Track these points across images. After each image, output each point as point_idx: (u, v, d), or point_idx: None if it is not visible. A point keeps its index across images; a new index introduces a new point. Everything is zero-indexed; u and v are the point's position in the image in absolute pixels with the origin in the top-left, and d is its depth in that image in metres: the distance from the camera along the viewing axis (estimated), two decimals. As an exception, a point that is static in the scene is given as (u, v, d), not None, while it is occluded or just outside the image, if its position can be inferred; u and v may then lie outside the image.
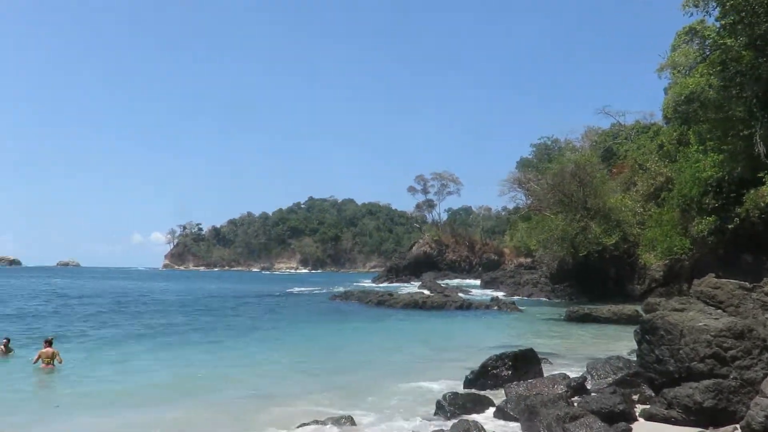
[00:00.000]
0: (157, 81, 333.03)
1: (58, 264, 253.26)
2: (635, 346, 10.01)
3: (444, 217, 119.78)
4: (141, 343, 20.81)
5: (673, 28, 55.38)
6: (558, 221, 42.40)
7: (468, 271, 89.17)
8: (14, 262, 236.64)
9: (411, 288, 64.21)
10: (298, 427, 9.59)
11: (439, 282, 70.08)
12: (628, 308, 28.10)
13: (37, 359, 15.41)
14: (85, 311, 33.47)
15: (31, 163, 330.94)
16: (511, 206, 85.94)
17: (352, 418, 9.91)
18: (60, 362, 15.55)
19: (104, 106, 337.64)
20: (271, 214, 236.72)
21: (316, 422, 9.71)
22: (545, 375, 12.49)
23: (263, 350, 19.91)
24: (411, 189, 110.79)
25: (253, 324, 28.58)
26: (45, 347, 15.66)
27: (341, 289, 58.87)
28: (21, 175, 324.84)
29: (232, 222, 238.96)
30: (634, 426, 8.77)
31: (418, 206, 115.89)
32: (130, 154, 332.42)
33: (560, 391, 10.33)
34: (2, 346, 17.17)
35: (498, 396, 11.31)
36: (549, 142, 75.97)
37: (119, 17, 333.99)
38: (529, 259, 70.73)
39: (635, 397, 10.34)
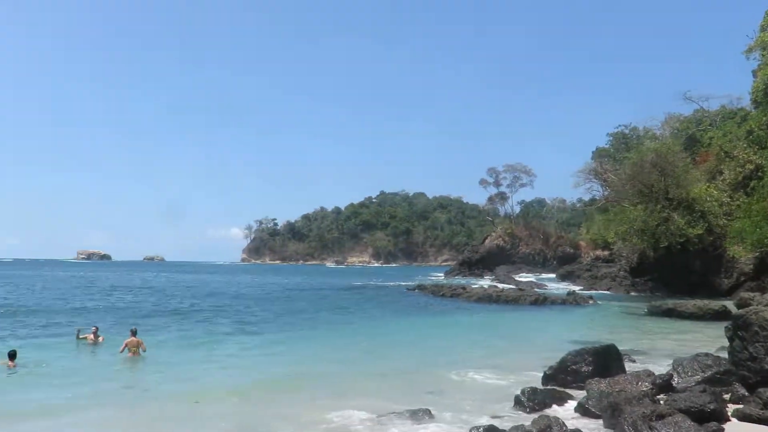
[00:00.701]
0: (233, 81, 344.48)
1: (144, 259, 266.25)
2: (723, 343, 9.56)
3: (517, 209, 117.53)
4: (232, 338, 21.51)
5: (763, 7, 51.97)
6: (637, 212, 40.92)
7: (542, 265, 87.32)
8: (105, 257, 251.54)
9: (484, 282, 63.56)
10: (371, 419, 9.71)
11: (513, 276, 69.05)
12: (715, 303, 26.77)
13: (124, 348, 16.29)
14: (187, 304, 35.05)
15: (122, 165, 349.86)
16: (586, 198, 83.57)
17: (429, 411, 9.92)
18: (144, 350, 16.38)
19: (190, 109, 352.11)
20: (343, 208, 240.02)
21: (394, 414, 9.81)
22: (627, 371, 12.10)
23: (339, 342, 20.26)
24: (483, 182, 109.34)
25: (331, 316, 29.05)
26: (131, 337, 16.55)
27: (414, 282, 58.99)
28: (112, 177, 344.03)
29: (305, 217, 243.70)
30: (727, 426, 8.37)
31: (490, 199, 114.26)
32: (207, 155, 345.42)
33: (645, 389, 10.00)
34: (92, 335, 18.24)
35: (577, 392, 11.06)
36: (627, 131, 73.23)
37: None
38: (606, 252, 68.51)
39: (726, 397, 9.86)
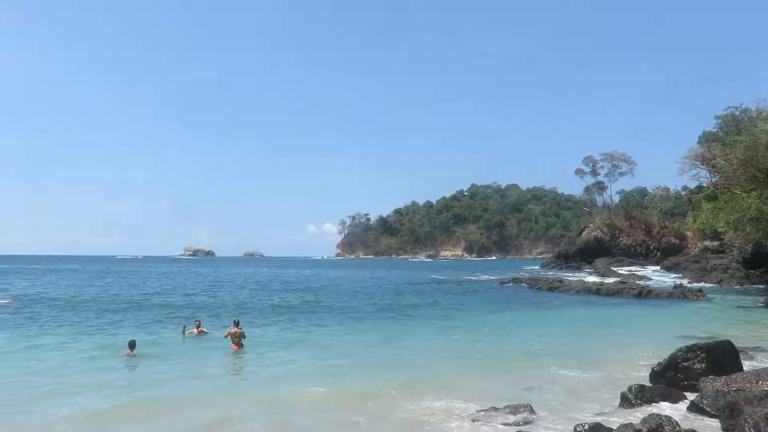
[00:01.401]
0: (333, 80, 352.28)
1: (245, 254, 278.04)
2: None
3: (616, 199, 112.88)
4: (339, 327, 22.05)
5: None
6: (751, 200, 38.03)
7: (645, 257, 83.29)
8: (209, 254, 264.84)
9: (582, 275, 61.50)
10: (471, 414, 9.59)
11: (614, 268, 66.34)
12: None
13: (228, 335, 17.12)
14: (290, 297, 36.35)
15: (221, 165, 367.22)
16: (692, 185, 78.76)
17: (530, 407, 9.68)
18: (244, 337, 17.16)
19: (298, 109, 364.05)
20: (435, 202, 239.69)
21: (494, 409, 9.64)
22: (745, 370, 11.29)
23: (436, 336, 20.22)
24: (579, 171, 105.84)
25: (428, 311, 28.91)
26: (234, 327, 17.32)
27: (509, 275, 58.00)
28: (214, 176, 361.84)
29: (397, 211, 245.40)
30: None
31: (587, 189, 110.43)
32: (301, 152, 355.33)
33: (767, 388, 9.29)
34: (195, 328, 19.20)
35: (689, 391, 10.45)
36: (738, 113, 68.28)
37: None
38: (716, 243, 64.46)
39: None
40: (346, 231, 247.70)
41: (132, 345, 15.54)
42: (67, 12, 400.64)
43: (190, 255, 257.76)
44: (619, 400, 10.14)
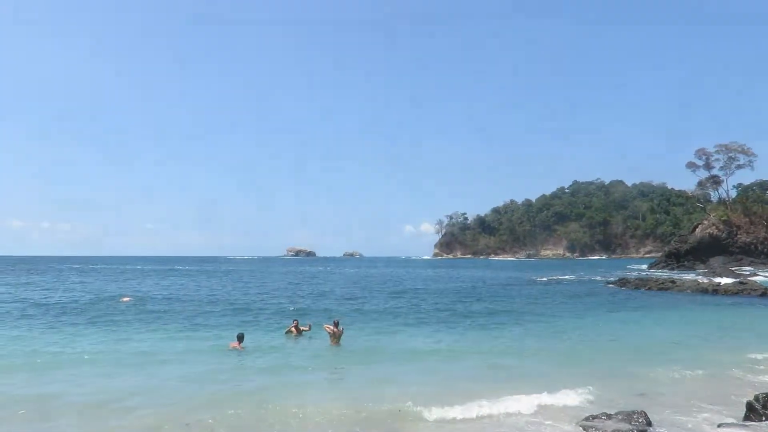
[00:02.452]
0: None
1: (344, 254, 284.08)
2: None
3: (733, 194, 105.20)
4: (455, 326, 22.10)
5: None
6: None
7: (767, 256, 77.24)
8: (310, 254, 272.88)
9: (695, 275, 57.88)
10: (583, 420, 9.23)
11: (730, 268, 61.99)
12: None
13: (329, 332, 17.77)
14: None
15: (317, 165, 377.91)
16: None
17: (645, 414, 9.19)
18: (341, 333, 17.67)
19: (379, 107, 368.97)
20: (534, 200, 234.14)
21: (606, 416, 9.23)
22: None
23: (544, 337, 19.63)
24: (690, 165, 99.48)
25: (534, 312, 28.09)
26: (333, 326, 17.88)
27: (615, 275, 55.63)
28: (312, 178, 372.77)
29: (495, 210, 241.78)
30: None
31: (700, 184, 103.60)
32: (399, 153, 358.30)
33: None
34: (293, 327, 19.76)
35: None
36: None
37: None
38: None
39: None
40: (444, 231, 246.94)
41: (240, 338, 16.43)
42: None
43: (292, 255, 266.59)
44: (744, 409, 9.45)
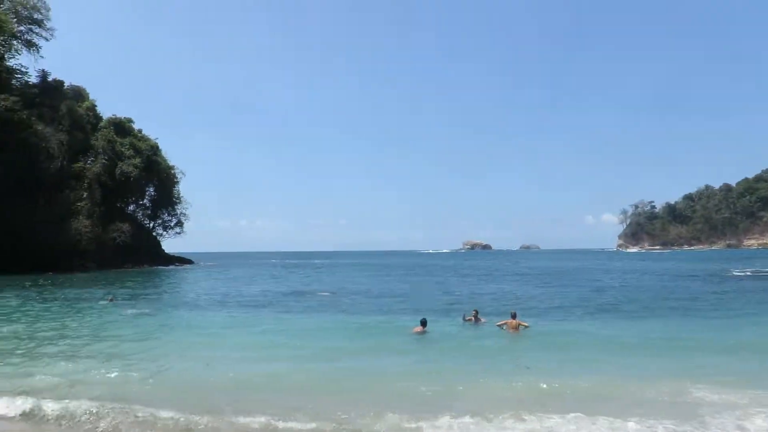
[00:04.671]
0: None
1: (521, 247, 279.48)
2: None
3: None
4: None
5: None
6: None
7: None
8: (486, 247, 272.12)
9: None
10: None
11: None
12: None
13: (502, 324, 18.27)
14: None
15: (491, 162, 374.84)
16: None
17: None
18: (526, 327, 17.93)
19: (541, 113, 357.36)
20: (734, 185, 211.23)
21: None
22: None
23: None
24: None
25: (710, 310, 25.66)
26: (511, 319, 18.27)
27: None
28: (485, 175, 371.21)
29: (687, 197, 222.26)
30: None
31: None
32: (576, 139, 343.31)
33: None
34: (472, 317, 20.24)
35: None
36: None
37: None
38: None
39: None
40: (628, 221, 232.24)
41: (423, 323, 17.68)
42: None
43: (468, 248, 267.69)
44: None
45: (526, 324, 18.14)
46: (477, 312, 20.47)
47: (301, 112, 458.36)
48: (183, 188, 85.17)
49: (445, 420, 8.73)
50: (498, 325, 18.43)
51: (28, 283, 40.13)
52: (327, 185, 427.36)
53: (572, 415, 8.81)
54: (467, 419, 8.76)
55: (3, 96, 60.88)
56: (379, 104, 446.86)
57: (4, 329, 18.67)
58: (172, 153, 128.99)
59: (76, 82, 72.46)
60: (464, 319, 20.37)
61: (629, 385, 10.86)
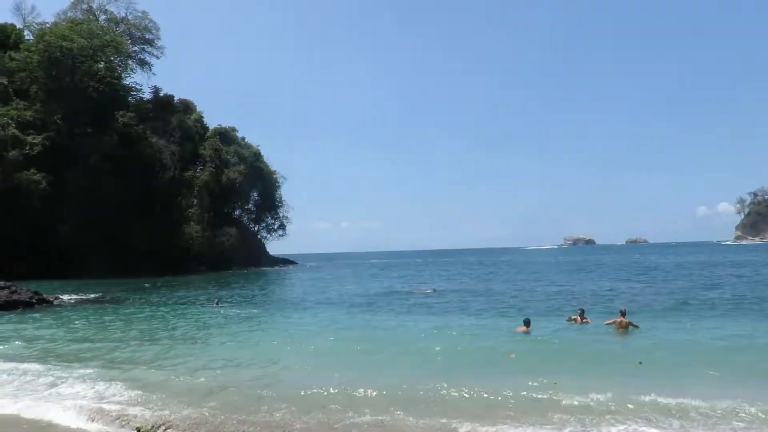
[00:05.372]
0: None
1: (626, 241, 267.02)
2: None
3: None
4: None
5: None
6: None
7: None
8: (589, 242, 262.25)
9: None
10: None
11: None
12: None
13: (610, 323, 17.62)
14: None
15: (603, 158, 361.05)
16: None
17: None
18: (636, 327, 17.24)
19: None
20: None
21: None
22: None
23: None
24: None
25: None
26: (620, 317, 17.61)
27: None
28: (592, 169, 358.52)
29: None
30: None
31: None
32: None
33: None
34: (578, 317, 19.68)
35: None
36: None
37: None
38: None
39: None
40: (747, 210, 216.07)
41: (527, 323, 17.46)
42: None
43: (570, 244, 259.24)
44: None
45: (636, 324, 17.43)
46: (583, 311, 19.95)
47: (403, 115, 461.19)
48: (284, 192, 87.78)
49: None
50: (606, 324, 17.83)
51: (147, 285, 43.24)
52: (418, 185, 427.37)
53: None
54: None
55: (121, 112, 66.01)
56: (469, 100, 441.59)
57: (119, 333, 19.99)
58: (273, 158, 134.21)
59: (183, 95, 77.35)
60: (568, 319, 19.96)
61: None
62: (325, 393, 10.75)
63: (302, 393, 10.78)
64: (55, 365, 13.99)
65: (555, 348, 15.22)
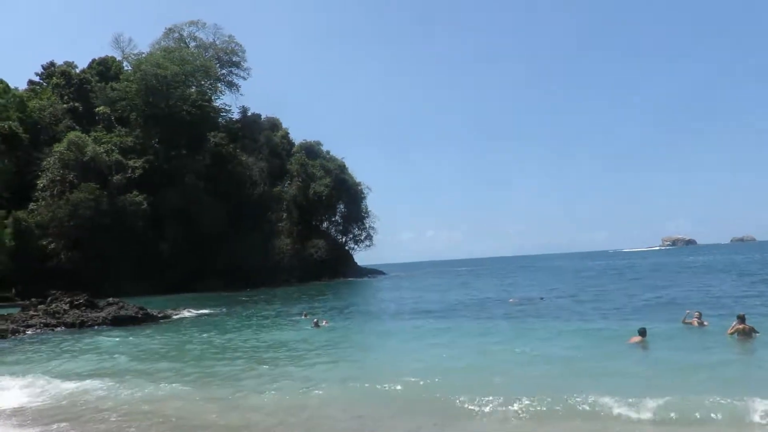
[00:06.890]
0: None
1: (731, 240, 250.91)
2: None
3: None
4: None
5: None
6: None
7: None
8: (690, 242, 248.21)
9: None
10: None
11: None
12: None
13: (733, 331, 16.19)
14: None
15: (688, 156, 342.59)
16: None
17: None
18: (757, 332, 15.97)
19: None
20: None
21: None
22: None
23: None
24: None
25: None
26: (739, 323, 16.29)
27: None
28: (691, 168, 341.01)
29: None
30: None
31: None
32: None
33: None
34: (695, 320, 18.47)
35: None
36: None
37: None
38: None
39: None
40: None
41: (642, 333, 16.34)
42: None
43: (668, 245, 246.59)
44: None
45: (757, 331, 16.10)
46: (700, 314, 18.76)
47: (466, 120, 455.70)
48: (370, 203, 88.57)
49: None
50: (729, 333, 16.34)
51: (243, 298, 44.71)
52: (502, 192, 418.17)
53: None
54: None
55: (213, 133, 69.11)
56: (548, 106, 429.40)
57: (215, 340, 20.50)
58: (358, 170, 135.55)
59: (270, 114, 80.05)
60: (684, 321, 18.83)
61: None
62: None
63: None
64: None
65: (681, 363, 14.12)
